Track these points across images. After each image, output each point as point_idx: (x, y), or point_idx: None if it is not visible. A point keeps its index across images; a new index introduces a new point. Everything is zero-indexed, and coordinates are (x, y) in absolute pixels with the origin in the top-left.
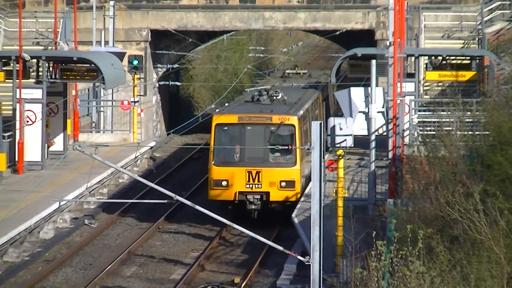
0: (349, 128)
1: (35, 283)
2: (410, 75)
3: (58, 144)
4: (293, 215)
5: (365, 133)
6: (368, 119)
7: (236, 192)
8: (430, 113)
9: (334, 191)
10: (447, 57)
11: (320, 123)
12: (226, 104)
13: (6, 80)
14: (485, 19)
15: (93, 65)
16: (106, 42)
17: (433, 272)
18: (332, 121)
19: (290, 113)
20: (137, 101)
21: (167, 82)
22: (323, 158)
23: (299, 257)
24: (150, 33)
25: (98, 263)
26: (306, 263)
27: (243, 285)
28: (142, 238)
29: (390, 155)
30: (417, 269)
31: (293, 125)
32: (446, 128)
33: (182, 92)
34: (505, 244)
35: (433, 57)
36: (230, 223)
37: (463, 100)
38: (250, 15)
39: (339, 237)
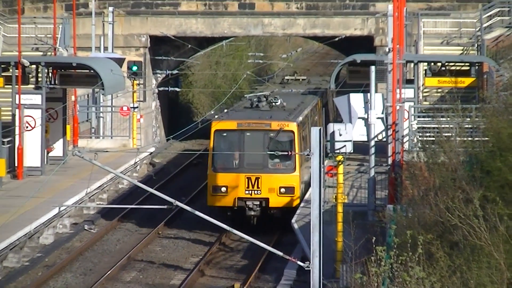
0: (348, 134)
1: None
2: (410, 81)
3: (57, 149)
4: (293, 220)
5: (365, 139)
6: (367, 125)
7: (235, 198)
8: (430, 119)
9: (334, 197)
10: (446, 63)
11: (320, 129)
12: (225, 110)
13: (5, 86)
14: (484, 25)
15: (92, 71)
16: (106, 48)
17: (433, 278)
18: (332, 127)
19: (289, 119)
20: (137, 107)
21: (167, 88)
22: (323, 164)
23: (299, 262)
24: (149, 39)
25: (98, 269)
26: (306, 269)
27: None
28: (142, 243)
29: (390, 161)
30: (417, 274)
31: (292, 131)
32: (446, 134)
33: (182, 98)
34: (505, 250)
35: (432, 63)
36: (230, 228)
37: (463, 106)
38: (249, 21)
39: (339, 242)
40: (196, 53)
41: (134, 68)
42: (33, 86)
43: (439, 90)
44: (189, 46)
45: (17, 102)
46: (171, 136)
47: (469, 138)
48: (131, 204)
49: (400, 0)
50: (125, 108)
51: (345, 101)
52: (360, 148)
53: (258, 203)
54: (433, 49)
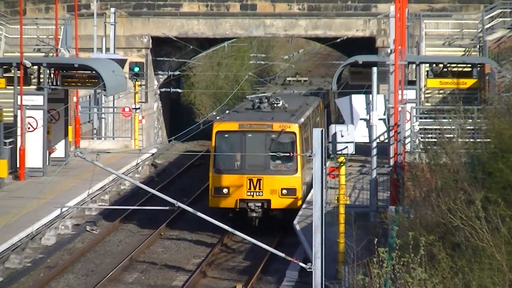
0: (350, 135)
1: None
2: (411, 83)
3: (59, 150)
4: (295, 222)
5: (367, 140)
6: (369, 126)
7: (237, 200)
8: (432, 120)
9: (336, 198)
10: (448, 65)
11: (322, 130)
12: (227, 112)
13: (7, 87)
14: (486, 26)
15: (94, 72)
16: (107, 49)
17: (435, 279)
18: (334, 128)
19: (291, 121)
20: (138, 108)
21: (168, 89)
22: (325, 165)
23: (301, 263)
24: (151, 40)
25: (100, 270)
26: (308, 270)
27: None
28: (144, 244)
29: (392, 162)
30: (419, 276)
31: (294, 133)
32: (448, 136)
33: (183, 99)
34: (506, 251)
35: (434, 65)
36: (232, 229)
37: (464, 107)
38: (251, 22)
39: (341, 244)
40: (198, 54)
41: (136, 69)
42: (35, 87)
43: (441, 91)
44: (191, 47)
45: (19, 103)
46: (173, 137)
47: (471, 140)
48: (133, 205)
49: (402, 1)
50: (127, 109)
51: (347, 102)
52: (362, 149)
53: (260, 204)
54: (435, 50)
